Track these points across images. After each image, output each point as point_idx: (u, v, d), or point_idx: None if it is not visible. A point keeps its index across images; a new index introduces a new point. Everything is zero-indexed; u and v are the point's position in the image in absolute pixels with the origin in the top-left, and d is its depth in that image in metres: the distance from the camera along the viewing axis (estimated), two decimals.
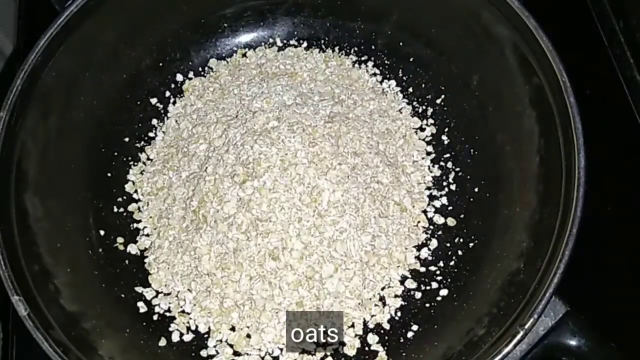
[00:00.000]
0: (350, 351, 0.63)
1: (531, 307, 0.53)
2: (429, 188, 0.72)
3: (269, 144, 0.66)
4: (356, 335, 0.64)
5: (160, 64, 0.77)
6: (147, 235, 0.71)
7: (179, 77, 0.78)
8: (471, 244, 0.67)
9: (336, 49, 0.79)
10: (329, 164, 0.66)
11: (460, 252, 0.67)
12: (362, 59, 0.78)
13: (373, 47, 0.78)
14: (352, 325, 0.64)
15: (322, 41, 0.79)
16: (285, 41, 0.79)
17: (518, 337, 0.53)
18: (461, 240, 0.68)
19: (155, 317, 0.66)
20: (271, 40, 0.80)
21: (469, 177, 0.71)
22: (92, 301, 0.64)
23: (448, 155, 0.73)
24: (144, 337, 0.64)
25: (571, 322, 0.55)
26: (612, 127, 0.63)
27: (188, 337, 0.65)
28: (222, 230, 0.65)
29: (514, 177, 0.66)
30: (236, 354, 0.64)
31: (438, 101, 0.75)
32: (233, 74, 0.78)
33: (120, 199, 0.72)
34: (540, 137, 0.62)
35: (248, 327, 0.64)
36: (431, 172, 0.72)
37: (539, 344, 0.55)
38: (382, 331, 0.64)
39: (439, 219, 0.70)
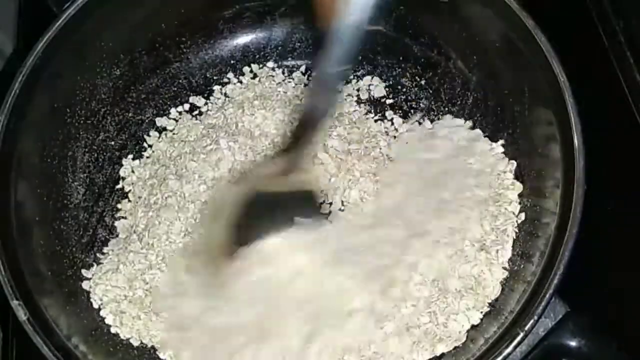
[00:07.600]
0: None
1: (531, 308, 0.53)
2: None
3: None
4: None
5: (158, 66, 0.77)
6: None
7: (178, 78, 0.78)
8: None
9: None
10: None
11: None
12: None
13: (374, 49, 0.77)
14: None
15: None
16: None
17: (518, 338, 0.53)
18: None
19: None
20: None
21: None
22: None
23: None
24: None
25: (571, 323, 0.55)
26: (612, 127, 0.63)
27: None
28: None
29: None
30: None
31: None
32: None
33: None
34: (539, 137, 0.62)
35: None
36: None
37: (539, 345, 0.55)
38: None
39: None
